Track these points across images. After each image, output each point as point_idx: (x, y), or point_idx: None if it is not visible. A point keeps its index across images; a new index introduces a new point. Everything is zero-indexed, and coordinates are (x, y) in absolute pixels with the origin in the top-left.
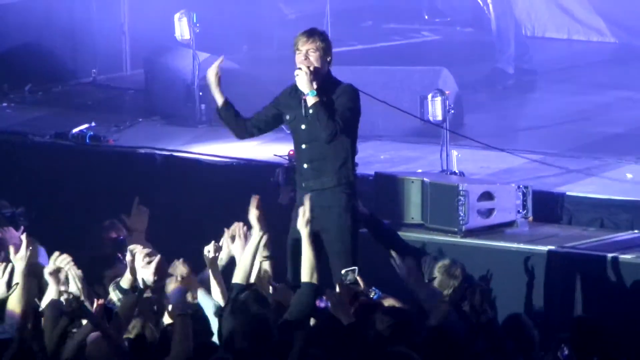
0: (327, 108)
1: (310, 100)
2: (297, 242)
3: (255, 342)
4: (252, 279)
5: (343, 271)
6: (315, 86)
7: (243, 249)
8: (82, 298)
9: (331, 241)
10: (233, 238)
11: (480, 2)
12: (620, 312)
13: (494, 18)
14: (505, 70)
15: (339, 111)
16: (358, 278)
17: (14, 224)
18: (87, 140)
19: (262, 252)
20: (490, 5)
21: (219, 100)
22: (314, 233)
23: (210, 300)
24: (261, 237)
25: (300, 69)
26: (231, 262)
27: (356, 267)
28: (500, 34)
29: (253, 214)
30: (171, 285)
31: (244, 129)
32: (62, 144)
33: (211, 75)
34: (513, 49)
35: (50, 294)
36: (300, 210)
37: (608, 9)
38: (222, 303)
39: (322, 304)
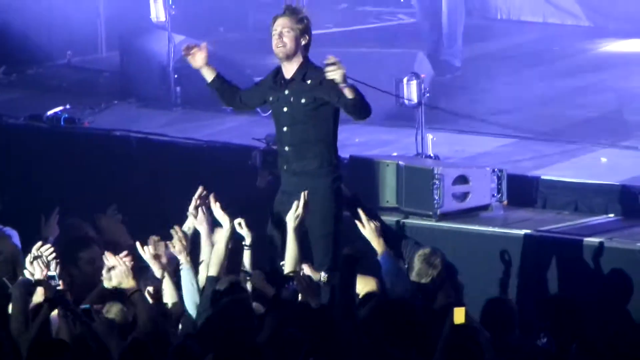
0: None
1: (349, 93)
2: (279, 227)
3: (237, 327)
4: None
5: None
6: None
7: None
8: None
9: (314, 225)
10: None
11: None
12: (595, 296)
13: (445, 13)
14: (452, 63)
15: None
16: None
17: None
18: (62, 123)
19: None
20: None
21: (210, 77)
22: None
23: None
24: (231, 229)
25: (333, 64)
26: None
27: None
28: (450, 29)
29: (215, 209)
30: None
31: (237, 100)
32: (37, 126)
33: (196, 59)
34: (460, 43)
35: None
36: (295, 204)
37: None
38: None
39: (291, 288)
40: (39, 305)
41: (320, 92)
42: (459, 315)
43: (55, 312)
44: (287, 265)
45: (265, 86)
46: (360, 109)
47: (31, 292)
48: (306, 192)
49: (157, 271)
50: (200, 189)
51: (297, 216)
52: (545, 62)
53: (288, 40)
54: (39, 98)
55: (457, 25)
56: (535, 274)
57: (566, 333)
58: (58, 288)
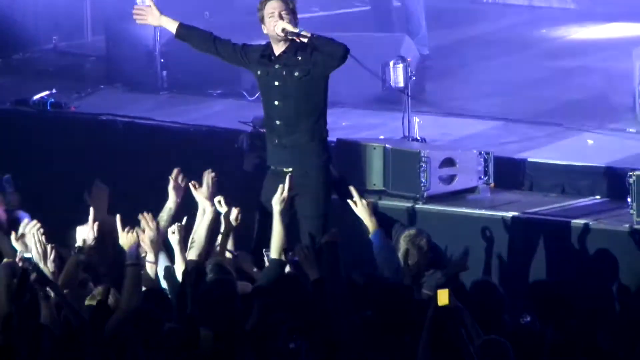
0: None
1: (306, 34)
2: (267, 209)
3: (221, 307)
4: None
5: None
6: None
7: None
8: (42, 264)
9: (304, 205)
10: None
11: None
12: (581, 277)
13: (405, 1)
14: (421, 51)
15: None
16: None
17: (1, 190)
18: (49, 107)
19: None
20: None
21: (173, 27)
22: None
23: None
24: (213, 213)
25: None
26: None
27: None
28: (411, 17)
29: (196, 194)
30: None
31: (212, 46)
32: (23, 111)
33: (151, 18)
34: (425, 30)
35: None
36: (280, 187)
37: None
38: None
39: (291, 259)
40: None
41: (312, 63)
42: (442, 297)
43: None
44: (273, 249)
45: (250, 56)
46: (332, 44)
47: (15, 273)
48: (290, 175)
49: (150, 256)
50: (176, 170)
51: (283, 199)
52: (531, 45)
53: (278, 30)
54: (26, 83)
55: (417, 12)
56: (522, 256)
57: (549, 313)
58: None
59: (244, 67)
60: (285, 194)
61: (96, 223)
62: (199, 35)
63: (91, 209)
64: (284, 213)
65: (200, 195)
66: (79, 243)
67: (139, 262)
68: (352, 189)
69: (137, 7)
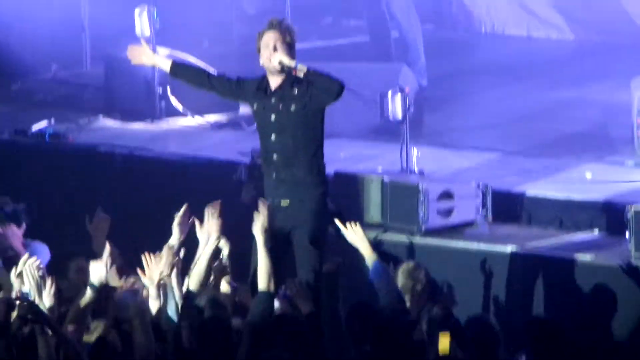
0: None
1: (303, 68)
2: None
3: (213, 345)
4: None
5: None
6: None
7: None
8: (37, 299)
9: (301, 238)
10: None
11: (387, 16)
12: (580, 313)
13: (403, 32)
14: (420, 82)
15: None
16: None
17: (16, 221)
18: (47, 138)
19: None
20: (399, 20)
21: (167, 65)
22: (284, 231)
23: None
24: (217, 243)
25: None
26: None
27: None
28: (409, 46)
29: (211, 222)
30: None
31: (206, 81)
32: (22, 141)
33: (145, 58)
34: (424, 60)
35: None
36: (257, 215)
37: (567, 6)
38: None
39: (283, 294)
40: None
41: (308, 96)
42: (443, 343)
43: None
44: (261, 280)
45: (246, 90)
46: (327, 80)
47: (11, 309)
48: (266, 201)
49: (153, 292)
50: (184, 207)
51: (265, 229)
52: (529, 76)
53: (275, 62)
54: (24, 112)
55: (416, 43)
56: (520, 290)
57: (546, 351)
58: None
59: (240, 100)
60: (265, 221)
61: (109, 259)
62: (193, 71)
63: (107, 246)
64: (267, 243)
65: (203, 231)
66: (94, 280)
67: (143, 308)
68: (337, 221)
69: (130, 47)
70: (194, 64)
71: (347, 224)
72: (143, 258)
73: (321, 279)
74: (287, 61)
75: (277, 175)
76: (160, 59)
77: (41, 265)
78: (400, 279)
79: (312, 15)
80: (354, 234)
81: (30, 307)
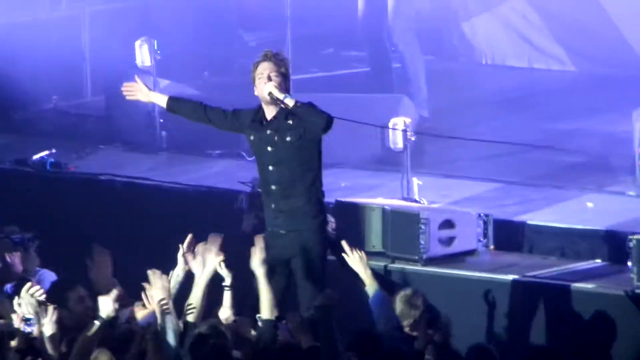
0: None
1: (290, 101)
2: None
3: None
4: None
5: None
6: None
7: (201, 266)
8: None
9: (301, 267)
10: (186, 255)
11: (388, 47)
12: (581, 342)
13: (405, 63)
14: (421, 113)
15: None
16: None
17: (24, 249)
18: (48, 167)
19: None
20: (401, 51)
21: (163, 101)
22: (284, 260)
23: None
24: (211, 275)
25: (268, 81)
26: (188, 278)
27: None
28: (410, 77)
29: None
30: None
31: (203, 115)
32: (23, 171)
33: (140, 94)
34: (425, 91)
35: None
36: (253, 250)
37: (568, 38)
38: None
39: (283, 328)
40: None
41: (302, 127)
42: None
43: None
44: (264, 310)
45: (242, 122)
46: (314, 114)
47: (4, 339)
48: (260, 236)
49: (158, 315)
50: (189, 237)
51: (262, 260)
52: (530, 107)
53: (265, 93)
54: (25, 142)
55: (417, 74)
56: (521, 319)
57: None
58: (30, 336)
59: (237, 132)
60: (261, 254)
61: (116, 295)
62: (189, 106)
63: (115, 289)
64: (267, 274)
65: (197, 263)
66: (102, 314)
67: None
68: (344, 243)
69: (126, 84)
70: (190, 99)
71: (351, 250)
72: (150, 273)
73: (316, 312)
74: (276, 93)
75: (276, 205)
76: (156, 95)
77: (42, 293)
78: (399, 306)
79: (313, 46)
80: (358, 261)
81: (28, 340)
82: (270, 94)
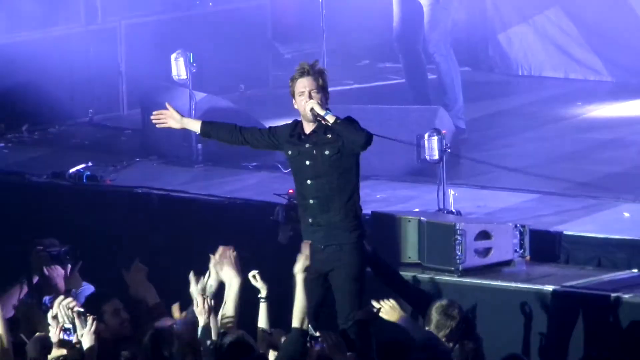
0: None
1: (331, 118)
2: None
3: None
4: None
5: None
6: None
7: (232, 274)
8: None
9: (340, 282)
10: (217, 265)
11: (424, 58)
12: (620, 352)
13: (441, 74)
14: (458, 125)
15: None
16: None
17: (60, 263)
18: (84, 180)
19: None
20: (438, 62)
21: (196, 126)
22: (323, 274)
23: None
24: (240, 287)
25: (309, 99)
26: (221, 288)
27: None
28: (447, 90)
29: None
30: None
31: (238, 137)
32: (59, 184)
33: (172, 122)
34: (462, 103)
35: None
36: (300, 256)
37: (605, 48)
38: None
39: (318, 346)
40: None
41: (341, 141)
42: None
43: None
44: (295, 319)
45: (279, 138)
46: (354, 132)
47: (48, 349)
48: (308, 242)
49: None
50: (221, 248)
51: (305, 267)
52: (567, 117)
53: (307, 109)
54: (62, 156)
55: (454, 86)
56: (558, 330)
57: None
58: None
59: (274, 149)
60: (306, 261)
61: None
62: (224, 129)
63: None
64: (307, 283)
65: (224, 271)
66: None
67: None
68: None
69: (156, 113)
70: (223, 122)
71: (382, 302)
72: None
73: (354, 327)
74: (318, 109)
75: (314, 219)
76: (188, 121)
77: (75, 305)
78: (434, 316)
79: (348, 58)
80: (385, 311)
81: (73, 349)
82: (312, 110)
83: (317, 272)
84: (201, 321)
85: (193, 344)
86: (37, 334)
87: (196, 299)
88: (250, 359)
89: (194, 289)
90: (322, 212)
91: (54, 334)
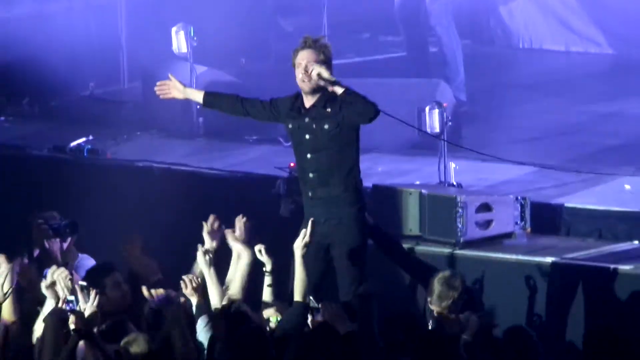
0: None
1: (340, 88)
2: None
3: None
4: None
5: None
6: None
7: (242, 247)
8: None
9: (341, 255)
10: (211, 232)
11: (425, 31)
12: (621, 324)
13: (442, 47)
14: (459, 97)
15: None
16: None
17: (61, 236)
18: (85, 154)
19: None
20: (439, 34)
21: (199, 97)
22: (324, 247)
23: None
24: (250, 261)
25: (304, 72)
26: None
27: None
28: (448, 62)
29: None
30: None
31: (240, 108)
32: (60, 157)
33: (176, 92)
34: (463, 75)
35: (47, 308)
36: (302, 232)
37: (605, 20)
38: (218, 304)
39: (319, 317)
40: (68, 334)
41: (341, 116)
42: None
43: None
44: (297, 292)
45: (280, 110)
46: (363, 103)
47: (65, 321)
48: (313, 220)
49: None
50: (211, 217)
51: (305, 244)
52: (568, 90)
53: (313, 74)
54: (62, 129)
55: (455, 58)
56: (559, 301)
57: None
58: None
59: (275, 122)
60: (307, 238)
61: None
62: (226, 100)
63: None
64: (305, 257)
65: (235, 241)
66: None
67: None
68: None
69: (159, 83)
70: (226, 92)
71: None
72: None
73: (356, 300)
74: (327, 75)
75: (314, 193)
76: (191, 91)
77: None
78: (437, 287)
79: (349, 31)
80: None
81: (84, 320)
82: (319, 75)
83: (318, 245)
84: (194, 301)
85: (188, 317)
86: (53, 307)
87: (182, 280)
88: (246, 329)
89: (201, 260)
90: (321, 185)
91: (49, 305)
